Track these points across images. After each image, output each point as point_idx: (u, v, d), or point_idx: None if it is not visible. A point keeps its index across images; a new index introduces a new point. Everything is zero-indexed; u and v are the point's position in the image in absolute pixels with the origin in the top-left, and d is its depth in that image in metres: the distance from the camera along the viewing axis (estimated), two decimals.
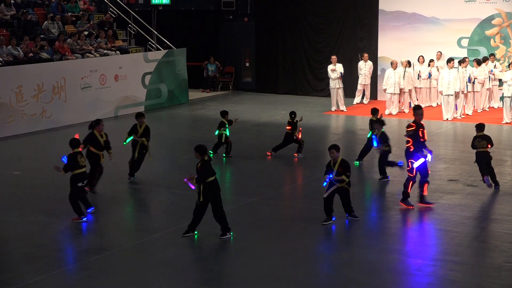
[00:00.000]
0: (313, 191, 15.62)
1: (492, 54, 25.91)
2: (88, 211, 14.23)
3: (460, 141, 21.15)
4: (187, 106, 27.74)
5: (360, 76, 27.32)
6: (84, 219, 13.90)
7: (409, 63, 25.71)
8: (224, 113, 19.27)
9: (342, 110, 26.07)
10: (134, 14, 28.94)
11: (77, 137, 14.35)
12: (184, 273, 11.64)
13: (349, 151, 19.86)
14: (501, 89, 24.82)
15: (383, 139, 16.99)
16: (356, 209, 14.63)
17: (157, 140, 19.86)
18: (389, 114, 24.97)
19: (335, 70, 25.86)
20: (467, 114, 24.83)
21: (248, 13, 31.32)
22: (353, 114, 25.74)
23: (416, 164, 14.37)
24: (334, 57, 26.20)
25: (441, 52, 26.73)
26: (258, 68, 31.15)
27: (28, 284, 11.01)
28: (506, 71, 24.46)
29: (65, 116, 23.54)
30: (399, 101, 25.59)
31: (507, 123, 23.45)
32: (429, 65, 26.40)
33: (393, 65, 25.31)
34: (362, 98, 27.70)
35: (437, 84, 25.22)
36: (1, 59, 22.38)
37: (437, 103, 26.31)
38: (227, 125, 19.10)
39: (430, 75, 26.25)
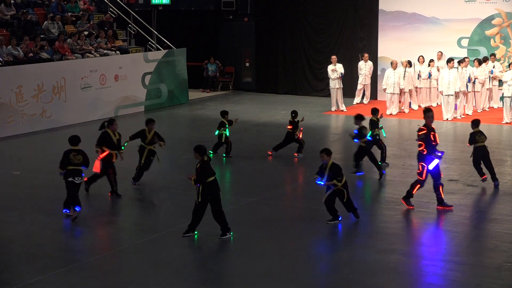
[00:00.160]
0: (313, 191, 15.61)
1: (493, 54, 25.90)
2: (65, 211, 14.15)
3: (460, 141, 21.13)
4: (187, 106, 27.74)
5: (360, 76, 27.32)
6: (65, 211, 14.08)
7: (409, 63, 25.70)
8: (224, 113, 19.27)
9: (342, 110, 26.08)
10: (134, 14, 28.93)
11: (76, 135, 14.43)
12: (184, 273, 11.63)
13: (349, 151, 19.83)
14: (501, 89, 24.82)
15: (362, 134, 17.01)
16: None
17: None
18: (389, 114, 24.97)
19: (336, 70, 25.86)
20: (467, 114, 24.82)
21: (248, 13, 31.32)
22: (353, 114, 25.64)
23: (431, 166, 14.23)
24: (334, 57, 26.20)
25: (441, 52, 26.72)
26: (258, 68, 31.15)
27: (28, 284, 11.01)
28: (506, 71, 24.47)
29: (65, 116, 23.54)
30: (399, 101, 25.59)
31: (507, 123, 23.45)
32: (429, 65, 26.39)
33: (393, 65, 25.31)
34: (362, 98, 27.70)
35: (437, 84, 25.22)
36: (1, 59, 22.38)
37: (437, 103, 26.30)
38: (227, 125, 19.10)
39: (430, 75, 26.24)
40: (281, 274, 11.45)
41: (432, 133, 14.33)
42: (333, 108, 26.19)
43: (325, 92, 28.60)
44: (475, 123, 16.58)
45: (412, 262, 11.94)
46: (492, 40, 26.80)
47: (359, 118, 17.40)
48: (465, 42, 27.16)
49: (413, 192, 14.52)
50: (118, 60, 25.83)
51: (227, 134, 19.06)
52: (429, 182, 14.62)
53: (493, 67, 25.53)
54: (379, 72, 28.01)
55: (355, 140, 17.28)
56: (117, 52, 26.35)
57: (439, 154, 14.41)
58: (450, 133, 22.77)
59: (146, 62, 26.79)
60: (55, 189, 15.70)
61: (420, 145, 14.37)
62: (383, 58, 28.14)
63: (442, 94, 24.43)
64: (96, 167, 15.17)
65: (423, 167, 14.32)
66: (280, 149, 19.27)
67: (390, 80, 25.18)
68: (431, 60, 26.44)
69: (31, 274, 11.35)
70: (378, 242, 12.86)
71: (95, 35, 26.19)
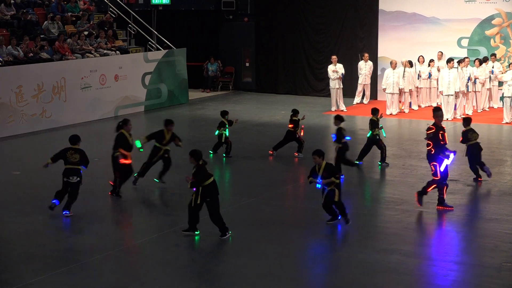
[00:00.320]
0: (313, 191, 15.56)
1: (493, 54, 25.90)
2: (53, 201, 14.27)
3: (460, 141, 21.11)
4: (187, 106, 27.74)
5: (360, 76, 27.32)
6: (54, 202, 14.25)
7: (410, 63, 25.70)
8: (224, 113, 19.28)
9: (342, 110, 26.07)
10: (134, 14, 28.94)
11: (76, 135, 14.50)
12: (184, 273, 11.63)
13: (349, 151, 19.84)
14: (501, 89, 24.82)
15: (341, 135, 16.99)
16: (356, 209, 14.65)
17: None
18: (389, 114, 24.97)
19: (337, 71, 25.86)
20: (467, 114, 24.81)
21: (248, 13, 31.32)
22: (353, 114, 25.74)
23: (442, 167, 14.23)
24: (334, 57, 26.19)
25: (442, 52, 26.72)
26: (258, 68, 31.15)
27: (28, 284, 11.01)
28: (506, 71, 24.47)
29: (65, 116, 23.54)
30: (399, 101, 25.59)
31: (507, 123, 23.46)
32: (429, 65, 26.39)
33: (392, 64, 25.31)
34: (362, 98, 27.70)
35: (437, 84, 25.22)
36: (1, 59, 22.38)
37: (437, 103, 26.27)
38: (227, 125, 19.10)
39: (430, 75, 26.24)
40: (281, 274, 11.45)
41: (440, 132, 14.31)
42: (333, 108, 26.18)
43: (325, 92, 28.60)
44: (467, 121, 16.85)
45: (412, 262, 11.94)
46: (492, 40, 26.79)
47: (338, 118, 17.34)
48: (465, 42, 27.16)
49: (428, 190, 14.43)
50: (118, 60, 25.83)
51: (227, 134, 19.05)
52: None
53: (492, 67, 25.53)
54: (379, 72, 28.01)
55: (334, 139, 17.17)
56: (117, 52, 26.35)
57: (451, 153, 14.40)
58: (450, 133, 22.69)
59: (146, 62, 26.79)
60: (55, 189, 15.66)
61: (428, 144, 14.35)
62: (383, 58, 28.14)
63: (442, 94, 24.43)
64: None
65: (435, 166, 14.27)
66: (280, 148, 19.27)
67: (389, 80, 25.18)
68: (431, 60, 26.44)
69: (31, 274, 11.35)
70: (378, 242, 12.86)
71: (95, 35, 26.19)
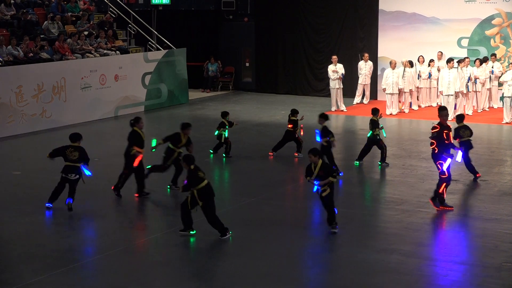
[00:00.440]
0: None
1: (493, 54, 25.90)
2: (47, 205, 14.51)
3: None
4: (187, 106, 27.74)
5: (360, 76, 27.32)
6: (47, 205, 14.49)
7: (410, 63, 25.69)
8: (224, 114, 19.30)
9: (342, 110, 26.08)
10: (134, 14, 28.94)
11: (77, 133, 14.64)
12: (184, 273, 11.64)
13: (349, 151, 19.88)
14: (501, 89, 24.82)
15: (325, 133, 16.98)
16: (356, 209, 14.66)
17: None
18: (389, 114, 24.98)
19: (337, 71, 25.85)
20: (467, 114, 24.80)
21: (248, 13, 31.32)
22: (353, 114, 25.74)
23: (445, 165, 14.23)
24: (335, 57, 26.19)
25: (441, 52, 26.72)
26: (258, 68, 31.15)
27: (28, 284, 11.01)
28: (506, 71, 24.47)
29: (65, 116, 23.55)
30: (399, 101, 25.58)
31: (507, 123, 23.46)
32: (429, 65, 26.40)
33: (392, 64, 25.31)
34: (362, 98, 27.70)
35: (437, 84, 25.22)
36: (1, 59, 22.38)
37: (437, 103, 26.30)
38: (227, 126, 19.12)
39: (430, 75, 26.25)
40: (281, 274, 11.45)
41: (445, 131, 14.31)
42: (333, 108, 26.19)
43: (325, 92, 28.60)
44: (460, 118, 16.92)
45: (412, 262, 11.94)
46: (492, 40, 26.80)
47: (323, 117, 17.31)
48: (465, 42, 27.16)
49: (440, 192, 14.35)
50: (118, 60, 25.83)
51: (225, 135, 19.06)
52: (436, 180, 14.63)
53: (492, 67, 25.53)
54: (379, 72, 28.00)
55: (319, 140, 17.14)
56: (117, 52, 26.35)
57: (459, 151, 14.46)
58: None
59: (146, 62, 26.79)
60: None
61: (432, 143, 14.36)
62: (383, 58, 28.14)
63: (442, 94, 24.43)
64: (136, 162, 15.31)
65: (441, 165, 14.27)
66: (279, 149, 19.27)
67: (389, 80, 25.18)
68: (431, 60, 26.45)
69: (31, 274, 11.34)
70: (378, 242, 12.86)
71: (95, 35, 26.19)
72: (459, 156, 14.98)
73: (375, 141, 17.98)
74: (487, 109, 25.88)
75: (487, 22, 26.78)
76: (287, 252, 12.39)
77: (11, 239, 13.10)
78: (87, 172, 14.54)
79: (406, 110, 25.68)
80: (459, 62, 24.72)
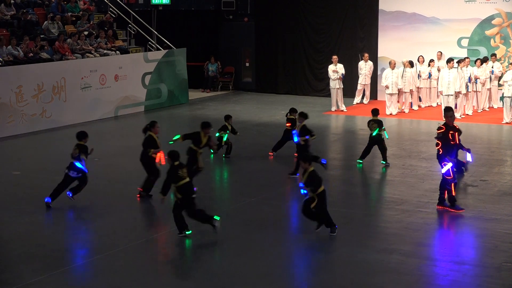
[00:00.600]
0: None
1: (493, 54, 25.90)
2: (46, 200, 14.70)
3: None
4: (187, 106, 27.74)
5: (360, 76, 27.32)
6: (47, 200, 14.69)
7: (411, 64, 25.68)
8: (227, 117, 19.33)
9: (342, 110, 26.08)
10: (134, 14, 28.94)
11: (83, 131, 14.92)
12: (184, 273, 11.64)
13: (350, 151, 19.88)
14: (501, 89, 24.82)
15: (303, 133, 16.94)
16: (356, 209, 14.65)
17: None
18: (389, 114, 24.97)
19: (337, 71, 25.85)
20: (467, 114, 24.84)
21: (248, 13, 31.32)
22: (353, 114, 25.74)
23: (443, 170, 14.22)
24: (335, 57, 26.18)
25: (441, 52, 26.73)
26: (258, 68, 31.15)
27: (28, 284, 11.01)
28: (506, 71, 24.47)
29: (65, 116, 23.55)
30: (398, 101, 25.58)
31: (507, 123, 23.45)
32: (429, 65, 26.40)
33: (391, 64, 25.31)
34: (362, 98, 27.71)
35: (437, 84, 25.21)
36: (1, 59, 22.38)
37: (437, 103, 26.32)
38: (228, 130, 19.15)
39: (430, 75, 26.25)
40: (281, 274, 11.45)
41: (450, 132, 14.27)
42: (333, 108, 26.19)
43: (325, 92, 28.60)
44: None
45: (412, 262, 11.94)
46: (492, 40, 26.79)
47: (302, 116, 17.25)
48: (465, 42, 27.16)
49: (453, 195, 14.36)
50: (118, 60, 25.84)
51: (224, 139, 19.07)
52: (436, 180, 14.62)
53: (492, 67, 25.53)
54: (379, 72, 27.99)
55: (296, 140, 17.07)
56: (117, 52, 26.35)
57: (467, 152, 14.60)
58: None
59: (146, 62, 26.79)
60: None
61: (437, 144, 14.35)
62: (383, 58, 28.14)
63: (442, 94, 24.42)
64: (162, 159, 15.26)
65: (445, 167, 14.27)
66: (279, 149, 19.27)
67: (388, 80, 25.17)
68: (431, 60, 26.45)
69: (31, 274, 11.34)
70: (378, 242, 12.86)
71: (95, 35, 26.19)
72: (469, 156, 14.97)
73: (379, 140, 17.89)
74: (487, 109, 25.88)
75: (487, 22, 26.78)
76: (287, 252, 12.39)
77: (11, 239, 13.10)
78: (79, 165, 14.56)
79: (406, 110, 25.67)
80: (459, 62, 24.72)
